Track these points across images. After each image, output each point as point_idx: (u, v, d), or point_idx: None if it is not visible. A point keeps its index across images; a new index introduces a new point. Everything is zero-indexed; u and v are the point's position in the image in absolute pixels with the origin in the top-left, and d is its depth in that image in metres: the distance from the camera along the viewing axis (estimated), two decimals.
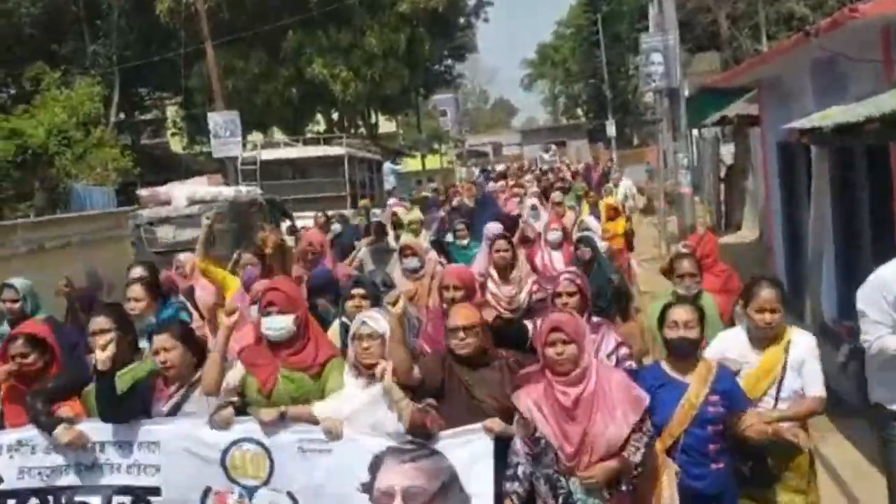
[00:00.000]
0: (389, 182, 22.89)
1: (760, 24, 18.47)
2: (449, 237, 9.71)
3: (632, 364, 4.62)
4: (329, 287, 6.14)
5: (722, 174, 19.93)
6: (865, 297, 4.22)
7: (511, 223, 9.29)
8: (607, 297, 6.48)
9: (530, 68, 72.92)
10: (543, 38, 71.70)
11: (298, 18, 25.71)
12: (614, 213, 11.67)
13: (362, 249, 8.92)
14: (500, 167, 36.16)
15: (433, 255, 7.52)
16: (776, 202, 11.77)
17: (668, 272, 6.08)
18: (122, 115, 32.36)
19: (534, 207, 10.75)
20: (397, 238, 9.67)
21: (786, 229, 11.35)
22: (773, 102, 11.43)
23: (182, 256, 7.84)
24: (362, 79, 26.36)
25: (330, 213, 12.59)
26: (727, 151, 20.49)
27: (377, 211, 14.59)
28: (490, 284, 6.21)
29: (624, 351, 4.64)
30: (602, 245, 8.42)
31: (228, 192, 12.05)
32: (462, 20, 35.83)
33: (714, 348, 4.39)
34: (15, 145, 17.25)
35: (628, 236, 11.23)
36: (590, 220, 9.46)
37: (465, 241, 9.09)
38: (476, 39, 41.16)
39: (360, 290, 5.13)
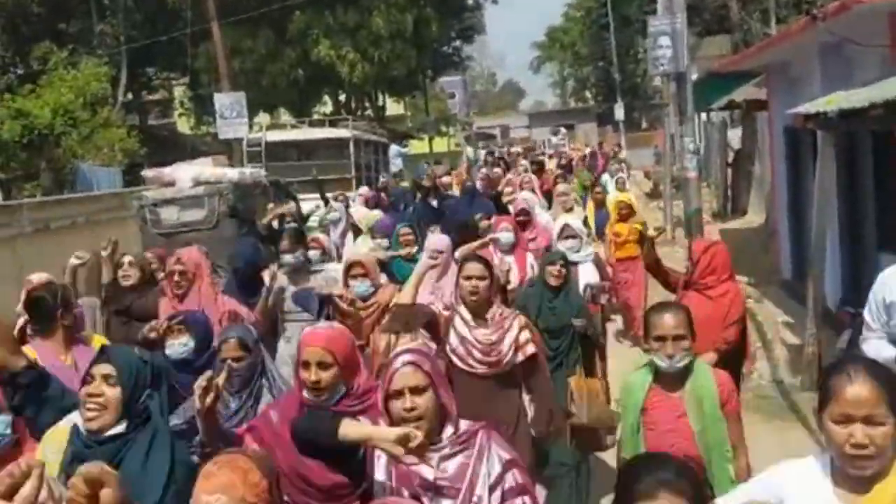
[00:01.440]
0: (396, 165, 22.87)
1: (770, 7, 18.30)
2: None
3: None
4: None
5: (729, 159, 19.83)
6: (870, 294, 4.12)
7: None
8: (570, 338, 5.28)
9: (539, 51, 72.51)
10: (552, 21, 71.31)
11: None
12: (627, 211, 9.61)
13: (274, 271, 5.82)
14: (505, 150, 35.76)
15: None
16: (782, 187, 11.72)
17: (644, 335, 3.82)
18: (129, 96, 32.34)
19: (522, 214, 8.02)
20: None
21: (791, 214, 11.31)
22: (781, 87, 11.35)
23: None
24: (369, 60, 26.26)
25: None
26: (735, 136, 20.38)
27: (335, 209, 11.11)
28: (458, 324, 4.27)
29: (517, 480, 2.73)
30: (581, 255, 6.62)
31: (233, 173, 12.02)
32: (470, 1, 35.63)
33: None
34: (21, 126, 17.26)
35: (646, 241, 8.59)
36: (574, 222, 7.01)
37: (410, 251, 6.92)
38: (484, 21, 40.96)
39: (233, 341, 3.77)
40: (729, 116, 21.26)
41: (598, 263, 6.87)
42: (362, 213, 9.62)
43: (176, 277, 5.34)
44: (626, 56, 47.61)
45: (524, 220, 7.88)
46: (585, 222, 9.69)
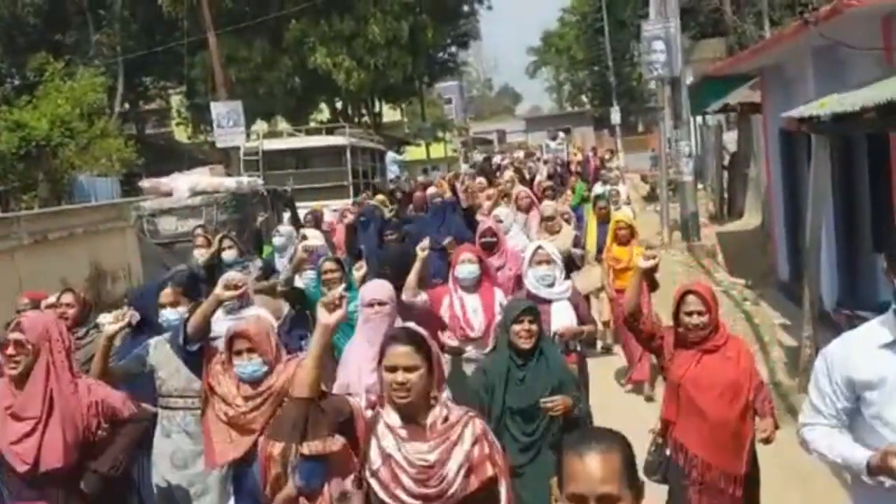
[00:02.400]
0: (392, 171, 22.90)
1: (763, 10, 18.36)
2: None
3: None
4: None
5: (725, 162, 19.87)
6: (819, 368, 3.12)
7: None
8: (547, 420, 4.10)
9: (535, 56, 72.69)
10: (548, 26, 71.42)
11: (301, 7, 25.66)
12: (626, 232, 8.10)
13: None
14: (497, 158, 35.26)
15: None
16: (778, 189, 11.76)
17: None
18: (126, 105, 32.39)
19: (488, 234, 6.84)
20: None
21: (787, 217, 11.35)
22: (775, 90, 11.40)
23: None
24: (365, 67, 26.32)
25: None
26: (730, 139, 20.43)
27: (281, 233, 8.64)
28: (381, 432, 2.89)
29: (484, 451, 2.91)
30: (555, 291, 5.40)
31: (230, 182, 12.11)
32: (465, 7, 35.72)
33: None
34: (19, 137, 17.27)
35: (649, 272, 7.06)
36: (548, 246, 5.68)
37: (336, 290, 4.39)
38: (479, 27, 41.02)
39: None
40: (724, 119, 21.30)
41: (577, 301, 5.47)
42: (311, 237, 8.05)
43: (10, 350, 3.72)
44: (621, 60, 47.71)
45: (490, 243, 6.73)
46: (578, 243, 8.67)
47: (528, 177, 16.96)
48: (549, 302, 5.22)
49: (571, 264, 7.91)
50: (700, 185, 19.42)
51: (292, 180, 16.42)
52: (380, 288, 4.65)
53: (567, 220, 9.46)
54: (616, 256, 8.07)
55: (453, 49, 38.82)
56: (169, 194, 11.57)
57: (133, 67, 29.60)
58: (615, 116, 40.82)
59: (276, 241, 8.14)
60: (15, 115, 17.89)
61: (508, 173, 15.28)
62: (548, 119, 63.10)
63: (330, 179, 17.34)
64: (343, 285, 5.09)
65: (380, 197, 13.38)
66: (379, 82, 27.50)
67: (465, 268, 5.55)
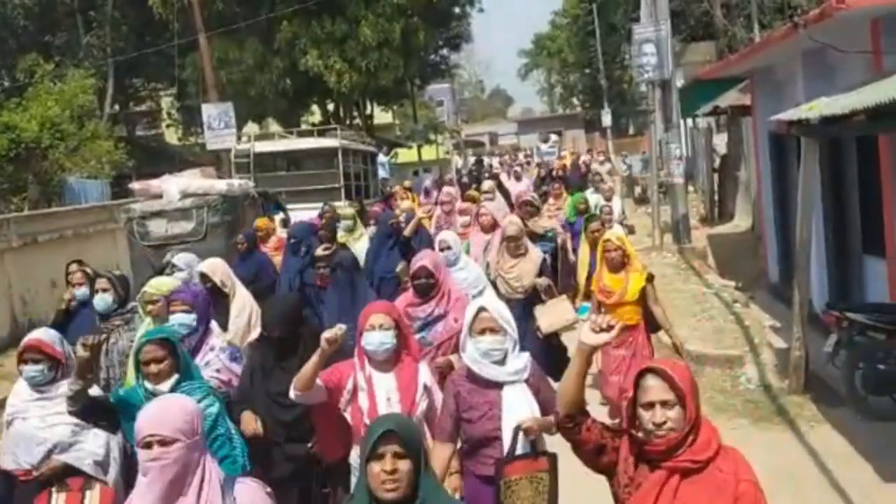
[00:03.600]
0: (385, 171, 22.91)
1: (753, 13, 18.44)
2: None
3: None
4: None
5: (716, 164, 19.95)
6: None
7: None
8: None
9: (526, 58, 72.82)
10: (539, 28, 71.61)
11: (293, 9, 25.60)
12: (618, 254, 6.16)
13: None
14: (493, 160, 34.77)
15: None
16: (768, 192, 11.81)
17: None
18: (116, 107, 32.27)
19: (422, 275, 5.17)
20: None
21: (778, 219, 11.40)
22: (765, 92, 11.45)
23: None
24: (357, 69, 26.25)
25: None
26: (721, 141, 20.51)
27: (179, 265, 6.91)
28: None
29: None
30: (506, 371, 3.80)
31: (221, 185, 12.03)
32: (457, 10, 35.69)
33: None
34: (8, 139, 17.17)
35: (646, 307, 6.14)
36: (495, 308, 3.93)
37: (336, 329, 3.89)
38: (471, 29, 41.04)
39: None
40: (714, 122, 21.39)
41: (537, 384, 3.86)
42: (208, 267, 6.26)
43: None
44: (612, 63, 47.85)
45: (425, 286, 5.09)
46: (544, 270, 6.93)
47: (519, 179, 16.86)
48: (498, 386, 3.77)
49: (535, 297, 6.63)
50: (691, 188, 19.50)
51: (283, 183, 16.41)
52: (166, 415, 2.70)
53: (549, 240, 8.58)
54: (607, 286, 6.15)
55: (445, 51, 38.86)
56: (159, 196, 11.49)
57: (123, 69, 29.47)
58: (606, 119, 40.94)
59: (179, 275, 6.37)
60: (5, 117, 17.79)
61: (488, 183, 13.02)
62: (539, 121, 63.26)
63: (321, 182, 17.28)
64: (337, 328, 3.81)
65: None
66: (370, 84, 27.43)
67: (375, 336, 3.83)
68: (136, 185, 12.53)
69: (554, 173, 20.58)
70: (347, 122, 30.40)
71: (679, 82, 16.44)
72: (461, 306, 4.82)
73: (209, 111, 20.47)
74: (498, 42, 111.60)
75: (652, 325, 6.31)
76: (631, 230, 10.39)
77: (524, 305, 6.52)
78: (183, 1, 23.40)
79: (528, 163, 24.61)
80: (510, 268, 6.77)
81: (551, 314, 6.57)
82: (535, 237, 8.38)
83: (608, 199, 11.48)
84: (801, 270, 7.63)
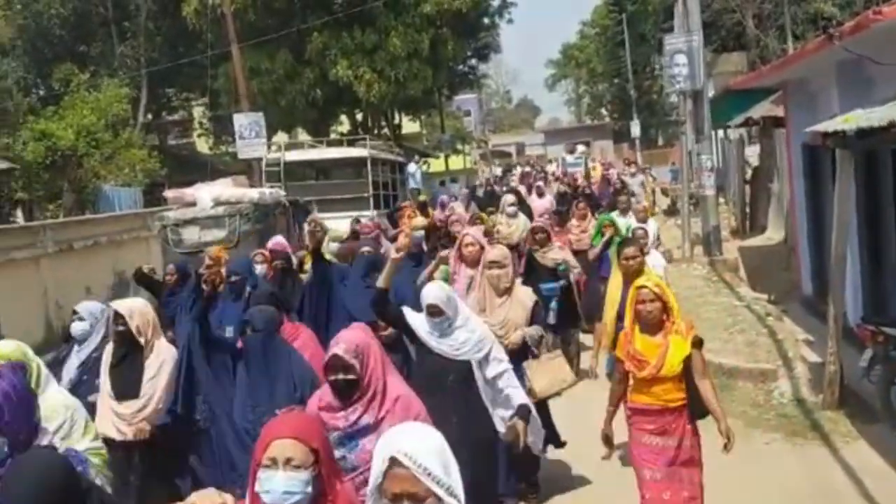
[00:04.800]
0: (414, 181, 22.97)
1: (786, 24, 18.31)
2: None
3: None
4: None
5: (747, 176, 19.79)
6: None
7: None
8: None
9: (554, 68, 72.80)
10: (567, 39, 71.54)
11: (323, 20, 25.85)
12: (657, 312, 4.49)
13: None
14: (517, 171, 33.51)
15: None
16: (801, 204, 11.69)
17: None
18: (149, 116, 32.73)
19: (338, 375, 3.53)
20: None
21: (811, 231, 11.27)
22: (799, 104, 11.35)
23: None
24: (386, 80, 26.42)
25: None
26: (753, 153, 20.35)
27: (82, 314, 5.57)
28: None
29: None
30: None
31: (252, 193, 12.17)
32: (486, 20, 35.82)
33: None
34: (45, 147, 17.55)
35: (690, 382, 4.47)
36: (412, 445, 2.24)
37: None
38: (500, 40, 41.11)
39: None
40: (746, 133, 21.23)
41: None
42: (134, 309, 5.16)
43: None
44: (641, 73, 47.72)
45: (342, 383, 3.50)
46: (537, 316, 5.62)
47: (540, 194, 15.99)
48: None
49: (527, 350, 5.47)
50: (721, 200, 19.35)
51: (312, 193, 16.53)
52: None
53: (560, 275, 7.48)
54: (638, 353, 4.50)
55: (473, 62, 38.94)
56: (193, 204, 11.65)
57: (157, 79, 29.91)
58: (635, 129, 40.76)
59: (76, 328, 5.40)
60: (41, 125, 18.16)
61: (509, 198, 11.74)
62: (567, 132, 63.08)
63: (351, 191, 17.40)
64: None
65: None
66: (399, 94, 27.57)
67: (277, 480, 2.42)
68: (169, 193, 12.69)
69: (579, 189, 17.94)
70: (376, 131, 30.56)
71: (710, 93, 16.36)
72: (402, 409, 3.52)
73: (240, 121, 20.69)
74: (526, 52, 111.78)
75: (695, 407, 4.53)
76: (668, 256, 9.63)
77: (512, 361, 4.98)
78: (216, 12, 23.71)
79: (556, 178, 22.47)
80: (495, 311, 5.46)
81: (546, 373, 5.46)
82: (545, 272, 7.50)
83: (642, 221, 10.05)
84: (836, 284, 7.54)
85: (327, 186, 18.50)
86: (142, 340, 4.98)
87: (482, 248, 6.33)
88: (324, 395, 3.59)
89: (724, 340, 9.17)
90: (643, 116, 45.67)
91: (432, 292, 4.59)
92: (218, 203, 11.54)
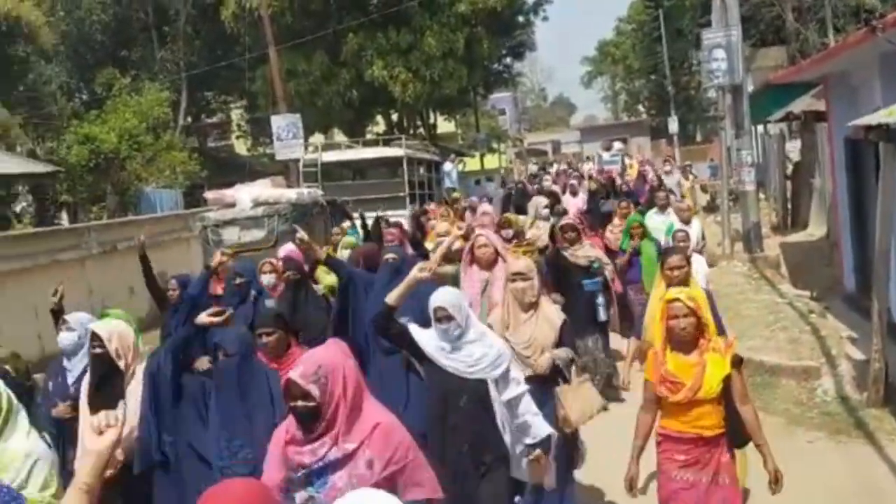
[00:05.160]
0: (450, 181, 23.03)
1: (827, 17, 18.00)
2: None
3: None
4: None
5: (788, 171, 19.50)
6: None
7: None
8: None
9: (590, 65, 72.39)
10: (603, 35, 71.12)
11: (359, 21, 26.02)
12: (692, 332, 4.06)
13: None
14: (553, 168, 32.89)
15: None
16: (844, 199, 11.49)
17: None
18: (189, 119, 33.24)
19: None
20: None
21: (854, 227, 11.07)
22: (840, 98, 11.16)
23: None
24: (421, 79, 26.53)
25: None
26: (793, 148, 20.04)
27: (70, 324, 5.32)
28: None
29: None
30: None
31: (291, 193, 12.32)
32: (521, 18, 35.75)
33: None
34: (88, 150, 17.92)
35: (730, 406, 4.07)
36: None
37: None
38: (535, 37, 40.98)
39: None
40: (787, 128, 20.91)
41: None
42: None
43: None
44: (679, 68, 47.21)
45: (303, 410, 3.04)
46: (565, 336, 5.04)
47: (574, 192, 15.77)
48: None
49: (557, 375, 4.96)
50: (762, 195, 19.09)
51: (349, 192, 16.66)
52: None
53: (595, 273, 7.28)
54: (670, 374, 4.05)
55: (508, 60, 38.89)
56: (232, 205, 11.83)
57: (196, 82, 30.38)
58: (673, 126, 40.31)
59: (63, 337, 5.19)
60: (85, 128, 18.54)
61: (540, 199, 11.33)
62: (603, 129, 62.69)
63: (387, 190, 17.51)
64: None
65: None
66: (434, 94, 27.66)
67: None
68: (209, 195, 12.90)
69: (615, 186, 17.67)
70: (411, 131, 30.68)
71: (749, 88, 16.14)
72: (381, 438, 3.03)
73: (278, 122, 20.91)
74: (561, 50, 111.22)
75: (736, 435, 4.10)
76: (710, 261, 9.01)
77: (541, 386, 4.73)
78: (253, 15, 24.00)
79: (590, 176, 21.42)
80: (520, 328, 4.97)
81: (578, 399, 4.92)
82: (579, 271, 7.29)
83: (686, 222, 9.37)
84: (880, 279, 7.41)
85: (364, 186, 18.63)
86: (121, 364, 4.54)
87: (496, 250, 6.15)
88: (290, 425, 3.09)
89: (765, 338, 9.06)
90: (681, 112, 45.17)
91: (440, 295, 4.14)
92: (257, 204, 11.71)
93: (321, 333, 5.65)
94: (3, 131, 19.74)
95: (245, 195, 11.89)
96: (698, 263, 7.46)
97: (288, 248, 7.65)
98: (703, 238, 10.19)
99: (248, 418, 4.06)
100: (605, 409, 5.10)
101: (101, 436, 2.40)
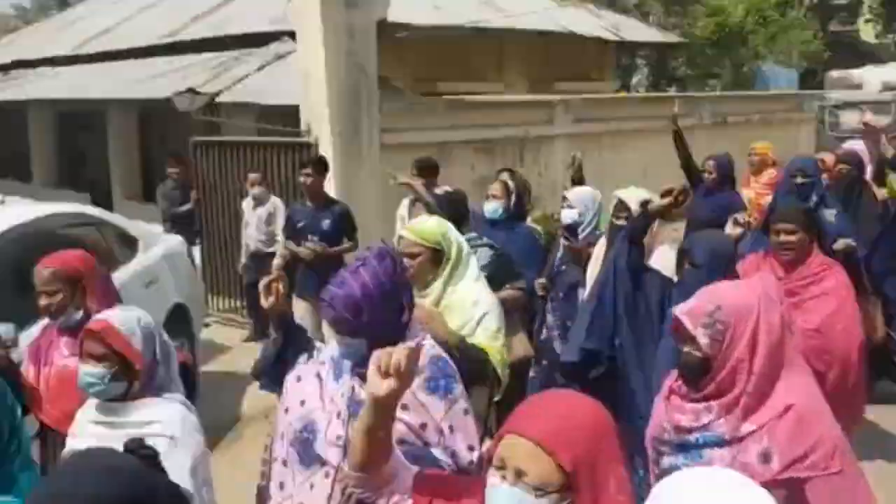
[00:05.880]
0: None
1: None
2: None
3: None
4: None
5: None
6: None
7: None
8: None
9: None
10: None
11: None
12: None
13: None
14: None
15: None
16: None
17: None
18: None
19: None
20: None
21: None
22: None
23: None
24: None
25: None
26: None
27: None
28: None
29: None
30: None
31: None
32: None
33: None
34: (715, 23, 18.36)
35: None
36: None
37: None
38: None
39: None
40: None
41: None
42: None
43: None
44: None
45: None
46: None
47: None
48: None
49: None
50: None
51: None
52: None
53: None
54: None
55: None
56: (858, 87, 11.25)
57: None
58: None
59: (565, 214, 4.63)
60: (716, 0, 19.01)
61: None
62: None
63: None
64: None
65: None
66: None
67: None
68: (833, 74, 12.44)
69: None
70: None
71: None
72: (790, 428, 2.19)
73: None
74: None
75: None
76: None
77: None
78: None
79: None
80: None
81: None
82: None
83: None
84: None
85: None
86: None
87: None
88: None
89: None
90: None
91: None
92: (887, 88, 10.94)
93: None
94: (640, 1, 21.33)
95: (874, 77, 11.18)
96: None
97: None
98: None
99: None
100: None
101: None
